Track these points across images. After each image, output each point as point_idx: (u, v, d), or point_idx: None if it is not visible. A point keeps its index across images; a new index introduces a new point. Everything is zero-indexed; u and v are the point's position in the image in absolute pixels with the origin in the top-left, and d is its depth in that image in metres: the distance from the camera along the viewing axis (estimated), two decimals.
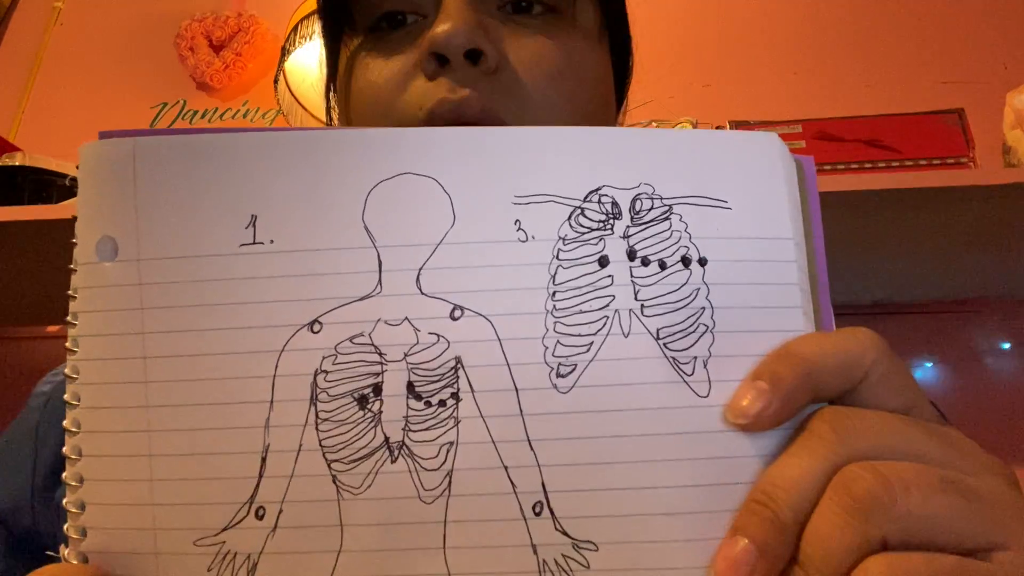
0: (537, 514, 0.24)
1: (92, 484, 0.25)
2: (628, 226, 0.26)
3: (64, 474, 0.25)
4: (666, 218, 0.26)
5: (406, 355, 0.25)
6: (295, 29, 1.20)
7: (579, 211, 0.26)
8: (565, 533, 0.24)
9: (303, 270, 0.25)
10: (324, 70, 0.49)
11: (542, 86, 0.38)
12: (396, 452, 0.25)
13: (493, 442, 0.24)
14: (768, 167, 0.26)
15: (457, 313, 0.25)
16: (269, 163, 0.25)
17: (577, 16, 0.41)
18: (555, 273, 0.25)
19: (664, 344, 0.25)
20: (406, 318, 0.25)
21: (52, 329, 1.32)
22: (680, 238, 0.26)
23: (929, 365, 1.16)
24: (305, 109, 1.30)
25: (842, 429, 0.23)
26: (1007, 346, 1.16)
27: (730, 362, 0.25)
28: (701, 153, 0.26)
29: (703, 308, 0.25)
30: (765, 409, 0.23)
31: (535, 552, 0.24)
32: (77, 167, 0.29)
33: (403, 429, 0.25)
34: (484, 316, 0.25)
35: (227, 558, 0.24)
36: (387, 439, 0.25)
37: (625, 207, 0.26)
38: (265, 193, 0.25)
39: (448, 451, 0.24)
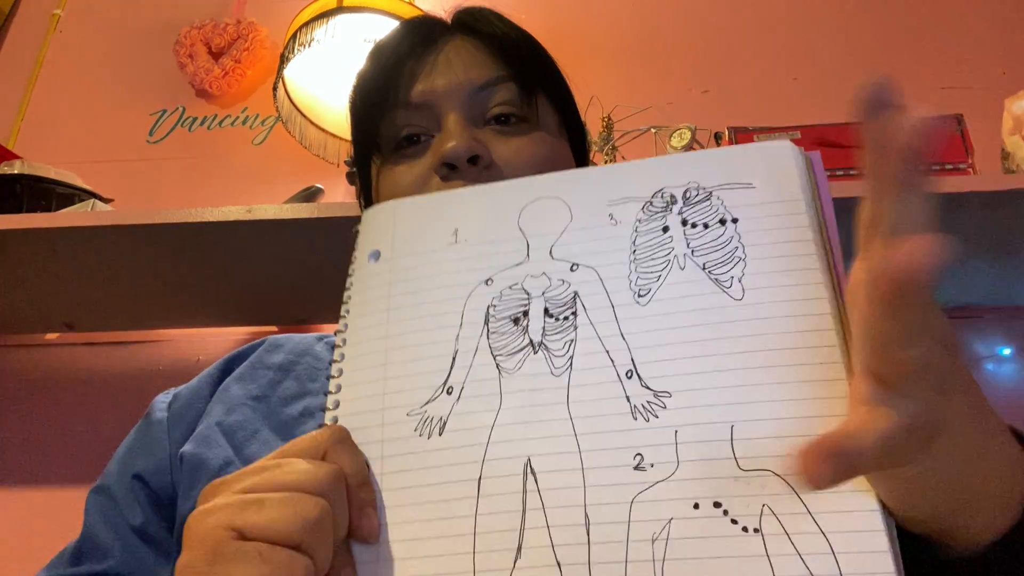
0: (628, 378, 0.36)
1: (348, 375, 0.40)
2: (682, 207, 0.39)
3: (331, 368, 0.41)
4: (708, 199, 0.39)
5: (543, 293, 0.40)
6: (294, 36, 1.20)
7: (648, 203, 0.40)
8: (648, 387, 0.36)
9: (483, 253, 0.41)
10: (357, 184, 0.65)
11: (521, 170, 0.53)
12: (537, 348, 0.38)
13: (597, 336, 0.38)
14: (782, 157, 0.39)
15: (575, 267, 0.40)
16: (465, 204, 0.44)
17: (540, 121, 0.58)
18: (635, 240, 0.39)
19: (708, 271, 0.38)
20: (543, 272, 0.40)
21: (51, 337, 1.32)
22: (718, 208, 0.39)
23: None
24: (304, 116, 1.30)
25: None
26: (1007, 352, 1.16)
27: (759, 278, 0.37)
28: (733, 157, 0.40)
29: (736, 247, 0.38)
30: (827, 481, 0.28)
31: (628, 400, 0.36)
32: (358, 220, 0.46)
33: (542, 335, 0.38)
34: (591, 267, 0.39)
35: (426, 421, 0.38)
36: (531, 341, 0.38)
37: (679, 196, 0.40)
38: (463, 217, 0.43)
39: (570, 345, 0.38)
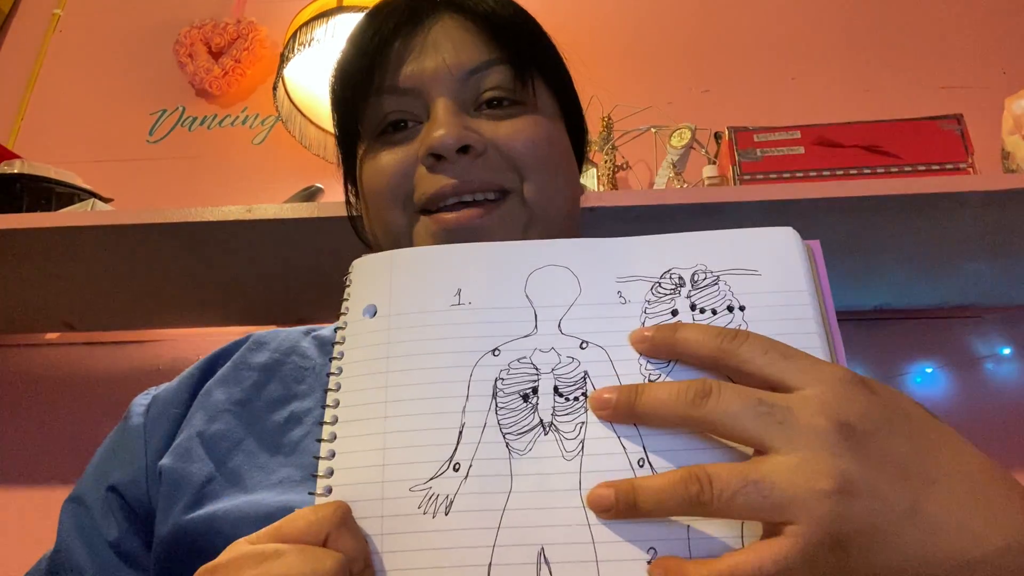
0: (640, 467, 0.36)
1: (343, 441, 0.38)
2: (690, 291, 0.40)
3: (322, 432, 0.38)
4: (715, 283, 0.40)
5: (552, 370, 0.39)
6: (294, 36, 1.20)
7: (657, 283, 0.40)
8: None
9: (489, 319, 0.40)
10: (341, 167, 0.63)
11: (522, 152, 0.52)
12: (548, 429, 0.37)
13: (609, 422, 0.37)
14: (786, 245, 0.41)
15: (584, 345, 0.39)
16: (470, 261, 0.42)
17: (538, 104, 0.55)
18: (644, 321, 0.39)
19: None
20: (552, 347, 0.39)
21: (51, 336, 1.32)
22: (726, 294, 0.40)
23: (929, 370, 1.16)
24: (304, 115, 1.30)
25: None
26: (1007, 351, 1.16)
27: None
28: (737, 242, 0.41)
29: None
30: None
31: None
32: (349, 273, 0.44)
33: (552, 415, 0.38)
34: (601, 346, 0.39)
35: (432, 499, 0.36)
36: (542, 421, 0.38)
37: (688, 279, 0.40)
38: (466, 277, 0.41)
39: (581, 427, 0.37)
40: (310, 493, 0.37)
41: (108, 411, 1.25)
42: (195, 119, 1.47)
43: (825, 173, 0.98)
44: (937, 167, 0.96)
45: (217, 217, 0.95)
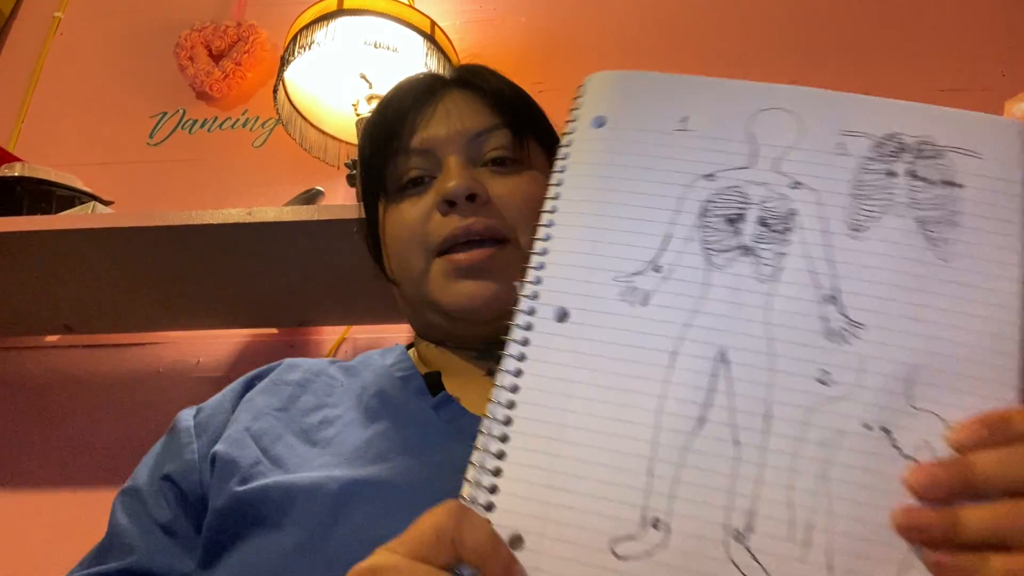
0: (829, 302, 0.38)
1: (558, 227, 0.42)
2: (912, 158, 0.40)
3: (540, 219, 0.42)
4: (938, 155, 0.40)
5: (762, 201, 0.40)
6: (294, 39, 1.20)
7: (881, 143, 0.41)
8: (845, 316, 0.38)
9: (709, 147, 0.42)
10: (364, 219, 0.70)
11: (519, 207, 0.60)
12: (747, 252, 0.39)
13: (807, 256, 0.39)
14: (1010, 139, 0.41)
15: (797, 185, 0.40)
16: (701, 92, 0.44)
17: (532, 161, 0.64)
18: (860, 175, 0.40)
19: (924, 227, 0.39)
20: (765, 182, 0.41)
21: (51, 339, 1.32)
22: (946, 169, 0.40)
23: None
24: (304, 118, 1.30)
25: None
26: None
27: (968, 247, 0.38)
28: (966, 122, 0.41)
29: (954, 212, 0.39)
30: (975, 446, 0.34)
31: (824, 321, 0.38)
32: (583, 85, 0.46)
33: (753, 240, 0.40)
34: (813, 189, 0.40)
35: (632, 290, 0.40)
36: (743, 244, 0.40)
37: (912, 145, 0.41)
38: (695, 106, 0.43)
39: (779, 257, 0.39)
40: (523, 296, 0.40)
41: (108, 413, 1.25)
42: (195, 122, 1.47)
43: None
44: None
45: (217, 220, 0.95)
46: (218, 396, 0.65)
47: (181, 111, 1.48)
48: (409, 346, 0.69)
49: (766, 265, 0.39)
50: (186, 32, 1.49)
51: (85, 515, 1.17)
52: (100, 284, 1.11)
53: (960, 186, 0.40)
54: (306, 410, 0.61)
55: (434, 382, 0.61)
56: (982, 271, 0.38)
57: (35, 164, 1.13)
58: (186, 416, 0.64)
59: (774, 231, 0.40)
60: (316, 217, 0.94)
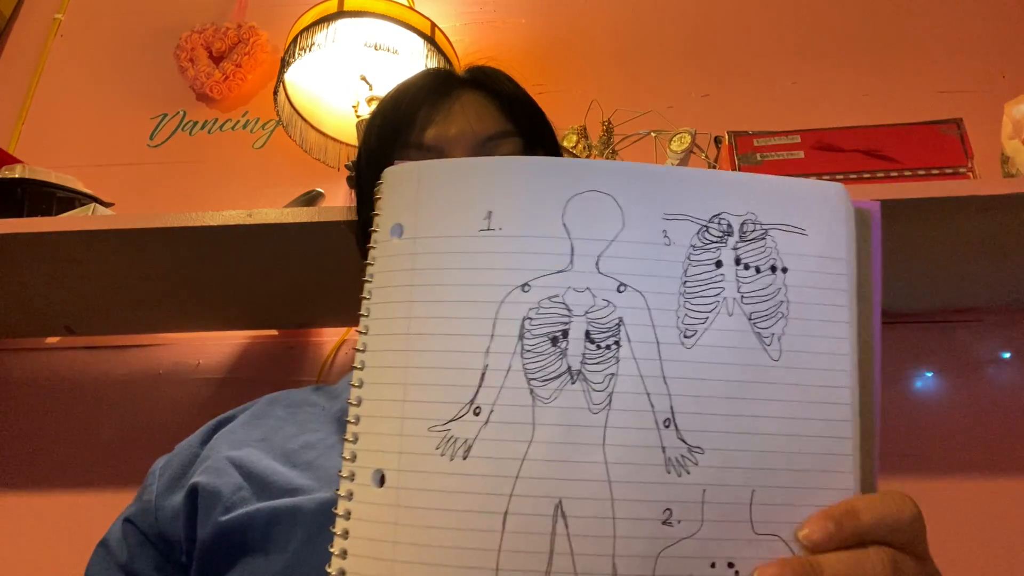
0: (666, 427, 0.35)
1: (369, 371, 0.37)
2: (737, 242, 0.38)
3: (352, 373, 0.38)
4: (763, 237, 0.38)
5: (586, 312, 0.36)
6: (295, 40, 1.21)
7: (705, 228, 0.38)
8: (683, 441, 0.35)
9: (520, 249, 0.37)
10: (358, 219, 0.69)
11: None
12: (575, 377, 0.36)
13: (640, 376, 0.36)
14: (834, 208, 0.39)
15: (622, 288, 0.37)
16: (503, 178, 0.38)
17: None
18: (686, 269, 0.37)
19: (753, 323, 0.37)
20: (588, 288, 0.37)
21: (52, 341, 1.32)
22: (771, 252, 0.38)
23: (929, 375, 1.16)
24: (304, 120, 1.30)
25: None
26: (1007, 356, 1.16)
27: (797, 339, 0.37)
28: (788, 193, 0.39)
29: (781, 301, 0.37)
30: (825, 542, 0.34)
31: (663, 451, 0.35)
32: (379, 184, 0.41)
33: (581, 362, 0.36)
34: (639, 292, 0.37)
35: (450, 441, 0.35)
36: (570, 368, 0.36)
37: (736, 227, 0.38)
38: (499, 197, 0.38)
39: (610, 379, 0.36)
40: (347, 420, 0.38)
41: (108, 414, 1.25)
42: (196, 123, 1.47)
43: (825, 177, 0.98)
44: (937, 171, 0.96)
45: (218, 222, 0.95)
46: (188, 437, 0.65)
47: (181, 113, 1.48)
48: None
49: (598, 391, 0.35)
50: (186, 34, 1.49)
51: (85, 516, 1.17)
52: (101, 286, 1.11)
53: (785, 270, 0.38)
54: (287, 437, 0.61)
55: None
56: (812, 366, 0.37)
57: (35, 166, 1.13)
58: (157, 462, 0.64)
59: (602, 347, 0.36)
60: (316, 219, 0.94)
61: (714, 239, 0.38)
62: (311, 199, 1.18)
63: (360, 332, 0.39)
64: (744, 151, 1.01)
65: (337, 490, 0.36)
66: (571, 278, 0.37)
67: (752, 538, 0.35)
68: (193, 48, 1.48)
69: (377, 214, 0.40)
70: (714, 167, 1.13)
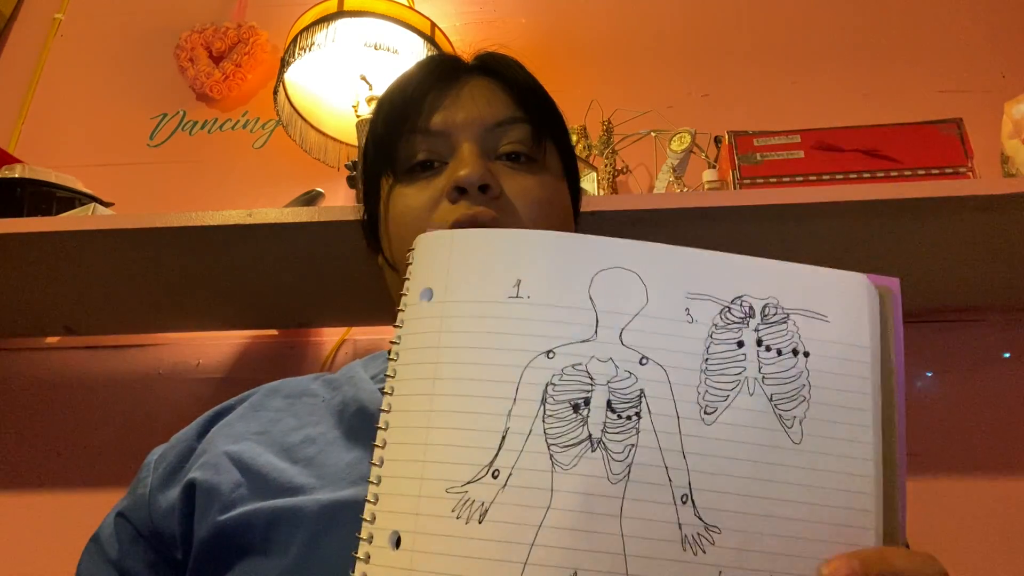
0: (683, 502, 0.35)
1: (392, 431, 0.38)
2: (759, 324, 0.39)
3: (379, 424, 0.39)
4: (784, 321, 0.39)
5: (608, 382, 0.37)
6: (295, 40, 1.21)
7: (727, 308, 0.39)
8: (700, 518, 0.35)
9: (547, 317, 0.38)
10: (361, 201, 0.69)
11: (526, 208, 0.58)
12: (596, 445, 0.36)
13: (660, 449, 0.36)
14: (856, 294, 0.40)
15: (644, 360, 0.37)
16: (533, 249, 0.39)
17: (547, 162, 0.62)
18: (708, 346, 0.38)
19: (775, 405, 0.37)
20: (611, 358, 0.37)
21: (51, 340, 1.32)
22: (793, 335, 0.38)
23: (930, 374, 1.16)
24: (304, 120, 1.30)
25: None
26: (1007, 355, 1.16)
27: (818, 424, 0.37)
28: (811, 281, 0.40)
29: (803, 385, 0.38)
30: None
31: (680, 528, 0.35)
32: (411, 250, 0.42)
33: (602, 431, 0.36)
34: (661, 366, 0.37)
35: (467, 504, 0.35)
36: (591, 435, 0.36)
37: (758, 310, 0.39)
38: (528, 266, 0.39)
39: (631, 450, 0.36)
40: (369, 481, 0.38)
41: (108, 414, 1.25)
42: (196, 123, 1.47)
43: (825, 177, 0.98)
44: (937, 171, 0.96)
45: (218, 221, 0.95)
46: (184, 428, 0.64)
47: (181, 112, 1.48)
48: None
49: (617, 462, 0.36)
50: (186, 33, 1.49)
51: (85, 516, 1.16)
52: (100, 285, 1.11)
53: (807, 354, 0.38)
54: (287, 430, 0.60)
55: None
56: (834, 452, 0.37)
57: (35, 165, 1.13)
58: (152, 453, 0.63)
59: (623, 417, 0.36)
60: (316, 219, 0.94)
61: (736, 320, 0.38)
62: (311, 199, 1.18)
63: (386, 393, 0.39)
64: (744, 151, 1.01)
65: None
66: (595, 348, 0.37)
67: None
68: (193, 48, 1.48)
69: (408, 278, 0.41)
70: (714, 167, 1.13)
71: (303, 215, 0.94)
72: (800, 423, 0.37)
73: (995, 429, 1.12)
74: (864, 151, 0.98)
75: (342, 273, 1.06)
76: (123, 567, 0.57)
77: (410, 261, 0.41)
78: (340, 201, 1.32)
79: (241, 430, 0.60)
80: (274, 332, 1.29)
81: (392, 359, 0.39)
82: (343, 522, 0.49)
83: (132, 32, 1.57)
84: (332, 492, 0.52)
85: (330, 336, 1.27)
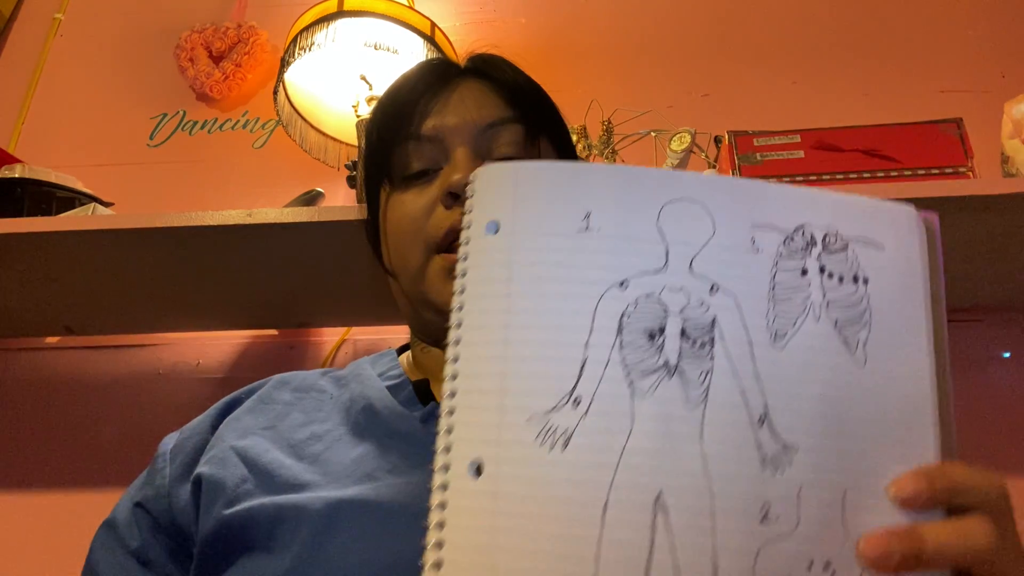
0: (761, 424, 0.36)
1: (464, 363, 0.37)
2: (820, 252, 0.39)
3: (446, 352, 0.38)
4: (844, 249, 0.40)
5: (681, 311, 0.37)
6: (295, 40, 1.21)
7: (790, 238, 0.39)
8: (778, 439, 0.36)
9: (618, 249, 0.38)
10: (364, 209, 0.70)
11: None
12: (673, 372, 0.36)
13: (734, 373, 0.37)
14: (907, 227, 0.41)
15: (715, 289, 0.38)
16: (599, 183, 0.40)
17: (542, 159, 0.62)
18: (775, 275, 0.39)
19: (839, 329, 0.38)
20: (682, 287, 0.38)
21: (51, 340, 1.32)
22: (853, 263, 0.40)
23: None
24: (304, 120, 1.30)
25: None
26: (1007, 355, 1.16)
27: (880, 348, 0.38)
28: (866, 210, 0.41)
29: (865, 310, 0.39)
30: (914, 498, 0.36)
31: (759, 448, 0.36)
32: (468, 183, 0.41)
33: (678, 357, 0.37)
34: (732, 293, 0.38)
35: (550, 431, 0.35)
36: (667, 362, 0.37)
37: (819, 239, 0.40)
38: (596, 200, 0.39)
39: (706, 376, 0.36)
40: (437, 452, 0.37)
41: (108, 415, 1.25)
42: (196, 123, 1.47)
43: (825, 177, 0.98)
44: (937, 171, 0.96)
45: (218, 221, 0.95)
46: (196, 420, 0.64)
47: (181, 112, 1.48)
48: (404, 348, 0.69)
49: (694, 387, 0.36)
50: (186, 33, 1.49)
51: (85, 516, 1.16)
52: (100, 285, 1.11)
53: (867, 280, 0.39)
54: (294, 426, 0.60)
55: (423, 390, 0.60)
56: (895, 373, 0.38)
57: (35, 165, 1.13)
58: (166, 441, 0.63)
59: (698, 345, 0.37)
60: (316, 219, 0.94)
61: (798, 248, 0.39)
62: (311, 199, 1.18)
63: (452, 326, 0.38)
64: (744, 151, 1.01)
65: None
66: (667, 278, 0.38)
67: (845, 541, 0.35)
68: (193, 48, 1.48)
69: (467, 212, 0.40)
70: (714, 167, 1.13)
71: (303, 215, 0.94)
72: (863, 347, 0.38)
73: (995, 429, 1.12)
74: (864, 151, 0.98)
75: (342, 273, 1.06)
76: (145, 557, 0.57)
77: (469, 195, 0.41)
78: (340, 201, 1.32)
79: (249, 424, 0.60)
80: (274, 332, 1.29)
81: (458, 292, 0.39)
82: (347, 520, 0.49)
83: (132, 32, 1.57)
84: (336, 490, 0.52)
85: (330, 336, 1.27)
